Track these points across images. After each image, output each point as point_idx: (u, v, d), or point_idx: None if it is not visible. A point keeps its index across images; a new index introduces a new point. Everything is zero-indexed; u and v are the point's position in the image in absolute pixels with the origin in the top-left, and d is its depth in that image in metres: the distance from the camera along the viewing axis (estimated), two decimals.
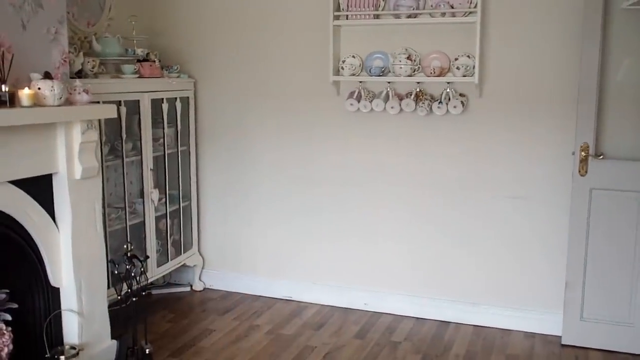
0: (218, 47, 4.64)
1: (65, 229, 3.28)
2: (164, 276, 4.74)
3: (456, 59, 4.00)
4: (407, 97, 4.14)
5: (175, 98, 4.48)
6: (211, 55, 4.66)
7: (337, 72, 4.24)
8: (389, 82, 4.17)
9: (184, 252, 4.71)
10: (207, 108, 4.73)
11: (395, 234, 4.36)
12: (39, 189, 3.16)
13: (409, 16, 4.05)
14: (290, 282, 4.66)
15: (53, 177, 3.24)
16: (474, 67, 3.94)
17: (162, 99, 4.33)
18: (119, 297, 3.54)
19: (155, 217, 4.35)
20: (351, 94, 4.26)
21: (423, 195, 4.27)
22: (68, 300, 3.34)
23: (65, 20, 3.36)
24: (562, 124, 3.89)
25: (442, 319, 4.29)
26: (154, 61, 4.33)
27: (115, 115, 3.49)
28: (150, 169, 4.23)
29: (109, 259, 3.63)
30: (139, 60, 4.21)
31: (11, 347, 3.04)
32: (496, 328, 4.16)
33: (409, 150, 4.26)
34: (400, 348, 3.90)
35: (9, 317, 3.11)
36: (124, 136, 3.96)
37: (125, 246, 3.61)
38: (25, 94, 2.91)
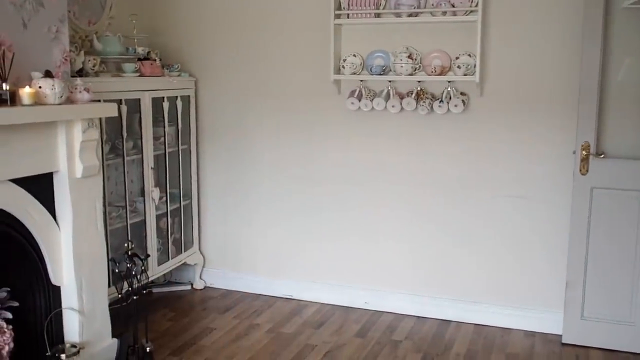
0: (219, 45, 4.64)
1: (66, 228, 3.28)
2: (164, 275, 4.75)
3: (457, 58, 4.00)
4: (408, 95, 4.14)
5: (176, 97, 4.48)
6: (212, 54, 4.66)
7: (338, 71, 4.24)
8: (390, 81, 4.17)
9: (184, 251, 4.71)
10: (208, 107, 4.74)
11: (396, 233, 4.36)
12: (40, 187, 3.16)
13: (410, 15, 4.05)
14: (291, 280, 4.67)
15: (54, 176, 3.24)
16: (475, 66, 3.94)
17: (163, 97, 4.33)
18: (119, 296, 3.54)
19: (156, 215, 4.35)
20: (352, 93, 4.25)
21: (424, 194, 4.27)
22: (69, 299, 3.34)
23: (66, 19, 3.36)
24: (563, 123, 3.89)
25: (443, 318, 4.29)
26: (155, 60, 4.33)
27: (116, 114, 3.49)
28: (151, 168, 4.23)
29: (109, 257, 3.63)
30: (139, 59, 4.21)
31: (12, 345, 3.04)
32: (497, 327, 4.16)
33: (410, 149, 4.26)
34: (401, 347, 3.90)
35: (9, 316, 3.11)
36: (125, 135, 3.96)
37: (126, 245, 3.61)
38: (26, 92, 2.92)
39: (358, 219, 4.44)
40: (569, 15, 3.80)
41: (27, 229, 3.12)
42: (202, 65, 4.69)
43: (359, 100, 4.21)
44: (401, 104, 4.11)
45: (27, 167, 3.05)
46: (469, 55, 3.97)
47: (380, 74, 4.14)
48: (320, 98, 4.41)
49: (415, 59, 4.08)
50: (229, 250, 4.85)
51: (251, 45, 4.55)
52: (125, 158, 4.00)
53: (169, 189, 4.49)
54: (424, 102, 4.07)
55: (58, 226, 3.27)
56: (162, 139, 4.36)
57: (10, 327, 3.07)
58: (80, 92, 3.22)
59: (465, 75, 3.96)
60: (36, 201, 3.14)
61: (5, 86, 2.86)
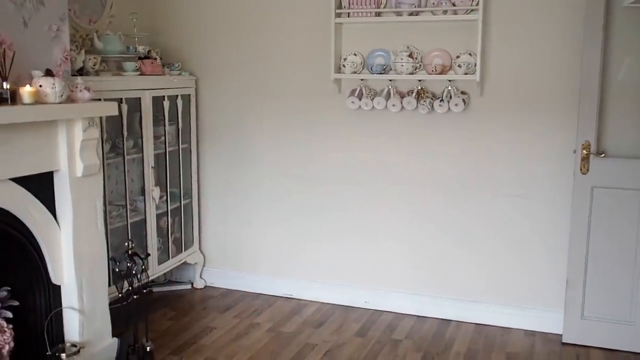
0: (219, 44, 4.63)
1: (66, 227, 3.28)
2: (164, 274, 4.74)
3: (458, 57, 3.99)
4: (408, 95, 4.14)
5: (177, 96, 4.48)
6: (212, 53, 4.66)
7: (338, 70, 4.23)
8: (390, 80, 4.17)
9: (184, 250, 4.71)
10: (209, 106, 4.73)
11: (396, 232, 4.36)
12: (40, 186, 3.16)
13: (411, 14, 4.05)
14: (291, 280, 4.67)
15: (54, 175, 3.24)
16: (475, 65, 3.94)
17: (164, 96, 4.33)
18: (120, 295, 3.54)
19: (156, 214, 4.35)
20: (352, 92, 4.25)
21: (424, 194, 4.27)
22: (69, 298, 3.34)
23: (66, 18, 3.36)
24: (563, 122, 3.89)
25: (443, 317, 4.29)
26: (155, 59, 4.33)
27: (117, 113, 3.49)
28: (152, 167, 4.23)
29: (110, 256, 3.63)
30: (140, 58, 4.21)
31: (12, 344, 3.04)
32: (497, 326, 4.16)
33: (410, 148, 4.26)
34: (401, 346, 3.90)
35: (10, 315, 3.11)
36: (125, 134, 3.95)
37: (126, 244, 3.61)
38: (26, 91, 2.91)
39: (358, 218, 4.44)
40: (570, 14, 3.80)
41: (27, 228, 3.12)
42: (202, 64, 4.69)
43: (360, 100, 4.21)
44: (402, 103, 4.11)
45: (28, 166, 3.04)
46: (470, 54, 3.97)
47: (381, 73, 4.14)
48: (320, 97, 4.41)
49: (416, 58, 4.08)
50: (229, 249, 4.85)
51: (252, 45, 4.55)
52: (126, 157, 3.99)
53: (170, 188, 4.48)
54: (425, 101, 4.07)
55: (58, 225, 3.27)
56: (163, 138, 4.36)
57: (11, 326, 3.07)
58: (80, 91, 3.22)
59: (465, 74, 3.96)
60: (36, 200, 3.14)
61: (5, 85, 2.86)
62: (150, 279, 4.09)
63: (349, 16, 4.15)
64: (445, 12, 3.97)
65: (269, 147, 4.61)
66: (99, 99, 3.49)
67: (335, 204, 4.49)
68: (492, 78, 4.01)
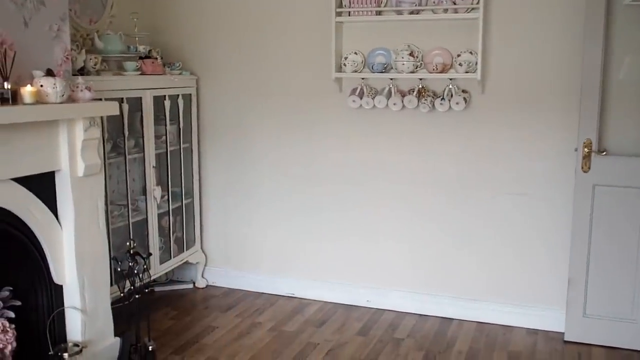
0: (220, 44, 4.64)
1: (68, 227, 3.28)
2: (166, 273, 4.75)
3: (458, 55, 3.99)
4: (409, 93, 4.14)
5: (178, 95, 4.48)
6: (213, 52, 4.66)
7: (339, 68, 4.23)
8: (391, 79, 4.17)
9: (186, 250, 4.71)
10: (210, 105, 4.73)
11: (397, 231, 4.36)
12: (42, 186, 3.16)
13: (412, 12, 4.05)
14: (293, 279, 4.67)
15: (56, 175, 3.24)
16: (476, 64, 3.93)
17: (164, 96, 4.33)
18: (121, 295, 3.54)
19: (158, 214, 4.35)
20: (353, 91, 4.25)
21: (425, 193, 4.26)
22: (71, 298, 3.35)
23: (67, 18, 3.36)
24: (564, 120, 3.89)
25: (445, 316, 4.29)
26: (156, 58, 4.33)
27: (118, 113, 3.50)
28: (153, 166, 4.23)
29: (111, 256, 3.63)
30: (141, 58, 4.20)
31: (14, 344, 3.05)
32: (499, 325, 4.16)
33: (411, 147, 4.25)
34: (403, 345, 3.90)
35: (12, 315, 3.11)
36: (127, 133, 3.96)
37: (128, 243, 3.61)
38: (27, 91, 2.92)
39: (359, 217, 4.44)
40: (570, 12, 3.79)
41: (29, 228, 3.12)
42: (203, 63, 4.69)
43: (361, 98, 4.21)
44: (402, 101, 4.11)
45: (29, 166, 3.05)
46: (471, 52, 3.97)
47: (382, 72, 4.14)
48: (321, 96, 4.41)
49: (417, 57, 4.08)
50: (231, 248, 4.85)
51: (252, 44, 4.55)
52: (127, 157, 4.00)
53: (171, 187, 4.49)
54: (426, 99, 4.07)
55: (60, 225, 3.28)
56: (164, 137, 4.36)
57: (13, 326, 3.07)
58: (81, 90, 3.22)
59: (466, 72, 3.96)
60: (38, 200, 3.14)
61: (6, 85, 2.86)
62: (152, 278, 4.09)
63: (349, 15, 4.15)
64: (445, 10, 3.97)
65: (270, 146, 4.61)
66: (100, 99, 3.49)
67: (336, 203, 4.49)
68: (493, 76, 4.01)
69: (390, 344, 3.91)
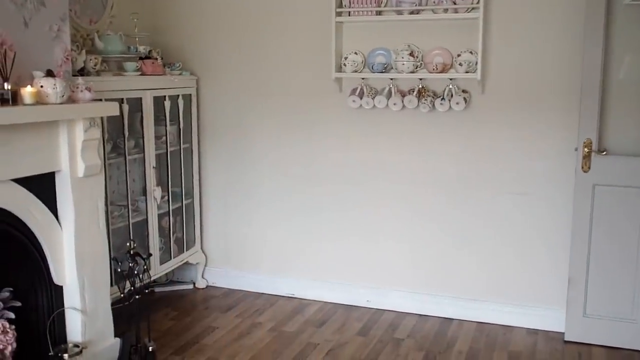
0: (220, 44, 4.63)
1: (68, 227, 3.28)
2: (166, 274, 4.74)
3: (459, 55, 3.99)
4: (409, 93, 4.14)
5: (178, 95, 4.48)
6: (213, 53, 4.66)
7: (339, 69, 4.23)
8: (391, 79, 4.16)
9: (186, 250, 4.71)
10: (210, 105, 4.73)
11: (397, 231, 4.36)
12: (42, 187, 3.16)
13: (412, 12, 4.05)
14: (293, 279, 4.67)
15: (56, 175, 3.24)
16: (476, 64, 3.93)
17: (165, 96, 4.33)
18: (122, 295, 3.54)
19: (158, 214, 4.35)
20: (353, 91, 4.25)
21: (425, 193, 4.26)
22: (71, 298, 3.35)
23: (67, 18, 3.36)
24: (564, 120, 3.89)
25: (445, 316, 4.28)
26: (156, 59, 4.32)
27: (118, 113, 3.50)
28: (153, 167, 4.23)
29: (111, 256, 3.63)
30: (141, 58, 4.20)
31: (15, 345, 3.04)
32: (499, 325, 4.16)
33: (411, 147, 4.25)
34: (403, 345, 3.90)
35: (12, 315, 3.11)
36: (127, 134, 3.96)
37: (128, 244, 3.61)
38: (27, 92, 2.92)
39: (359, 217, 4.44)
40: (570, 12, 3.79)
41: (29, 229, 3.12)
42: (203, 63, 4.69)
43: (361, 98, 4.21)
44: (403, 101, 4.11)
45: (29, 166, 3.05)
46: (471, 52, 3.97)
47: (382, 72, 4.14)
48: (321, 96, 4.41)
49: (417, 57, 4.08)
50: (231, 249, 4.85)
51: (252, 44, 4.55)
52: (127, 157, 4.00)
53: (171, 188, 4.49)
54: (426, 99, 4.07)
55: (60, 225, 3.28)
56: (164, 138, 4.36)
57: (13, 327, 3.07)
58: (81, 91, 3.22)
59: (466, 72, 3.95)
60: (38, 201, 3.14)
61: (6, 85, 2.86)
62: (152, 279, 4.09)
63: (349, 15, 4.15)
64: (445, 10, 3.97)
65: (269, 146, 4.61)
66: (100, 99, 3.49)
67: (336, 203, 4.49)
68: (493, 76, 4.01)
69: (390, 344, 3.91)
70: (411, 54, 4.05)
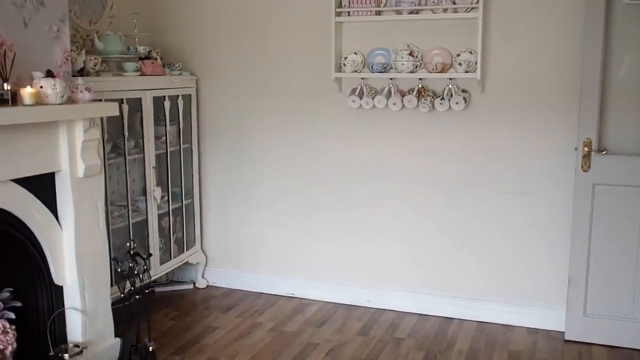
0: (220, 44, 4.64)
1: (68, 227, 3.28)
2: (167, 274, 4.75)
3: (458, 55, 3.99)
4: (409, 93, 4.14)
5: (177, 96, 4.48)
6: (213, 53, 4.66)
7: (339, 68, 4.23)
8: (391, 79, 4.17)
9: (186, 250, 4.71)
10: (210, 105, 4.73)
11: (397, 231, 4.36)
12: (42, 187, 3.16)
13: (411, 12, 4.05)
14: (293, 279, 4.67)
15: (56, 176, 3.24)
16: (476, 63, 3.93)
17: (164, 96, 4.33)
18: (122, 295, 3.54)
19: (158, 214, 4.35)
20: (353, 91, 4.25)
21: (425, 193, 4.26)
22: (71, 298, 3.35)
23: (67, 18, 3.36)
24: (564, 119, 3.89)
25: (445, 316, 4.29)
26: (156, 59, 4.33)
27: (118, 113, 3.50)
28: (153, 167, 4.23)
29: (112, 256, 3.63)
30: (140, 58, 4.20)
31: (15, 345, 3.05)
32: (499, 324, 4.16)
33: (411, 147, 4.25)
34: (404, 344, 3.90)
35: (12, 316, 3.11)
36: (126, 134, 3.96)
37: (128, 244, 3.61)
38: (27, 92, 2.92)
39: (359, 217, 4.44)
40: (570, 11, 3.79)
41: (29, 229, 3.12)
42: (203, 63, 4.69)
43: (360, 98, 4.21)
44: (402, 101, 4.11)
45: (29, 167, 3.05)
46: (470, 52, 3.97)
47: (382, 72, 4.14)
48: (321, 96, 4.41)
49: (417, 57, 4.08)
50: (231, 249, 4.85)
51: (252, 44, 4.55)
52: (127, 157, 4.00)
53: (171, 188, 4.49)
54: (425, 99, 4.07)
55: (60, 226, 3.28)
56: (164, 138, 4.36)
57: (13, 327, 3.07)
58: (81, 91, 3.22)
59: (466, 72, 3.95)
60: (38, 201, 3.14)
61: (6, 86, 2.87)
62: (152, 279, 4.09)
63: (349, 15, 4.15)
64: (445, 10, 3.97)
65: (269, 146, 4.61)
66: (100, 100, 3.49)
67: (336, 203, 4.49)
68: (492, 76, 4.01)
69: (390, 344, 3.91)
70: (411, 54, 4.05)
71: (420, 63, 4.08)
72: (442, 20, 4.04)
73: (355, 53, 4.21)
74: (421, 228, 4.30)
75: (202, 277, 4.90)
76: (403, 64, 4.03)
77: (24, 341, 3.15)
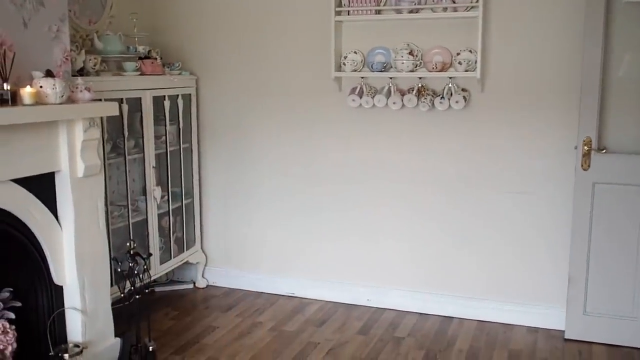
0: (220, 43, 4.63)
1: (68, 227, 3.28)
2: (167, 274, 4.75)
3: (458, 54, 3.99)
4: (409, 92, 4.14)
5: (177, 95, 4.48)
6: (213, 52, 4.66)
7: (338, 68, 4.23)
8: (390, 78, 4.16)
9: (186, 250, 4.71)
10: (209, 105, 4.73)
11: (398, 230, 4.36)
12: (42, 187, 3.16)
13: (411, 11, 4.04)
14: (293, 278, 4.67)
15: (55, 175, 3.24)
16: (476, 62, 3.93)
17: (164, 96, 4.33)
18: (122, 295, 3.54)
19: (158, 214, 4.35)
20: (353, 90, 4.25)
21: (425, 192, 4.26)
22: (71, 298, 3.35)
23: (66, 18, 3.36)
24: (564, 118, 3.89)
25: (445, 315, 4.29)
26: (156, 58, 4.33)
27: (117, 113, 3.50)
28: (153, 167, 4.23)
29: (111, 256, 3.63)
30: (140, 58, 4.20)
31: (15, 345, 3.05)
32: (499, 323, 4.16)
33: (411, 146, 4.25)
34: (404, 344, 3.90)
35: (12, 316, 3.11)
36: (126, 134, 3.96)
37: (128, 244, 3.61)
38: (27, 92, 2.92)
39: (359, 216, 4.44)
40: (570, 10, 3.79)
41: (29, 229, 3.12)
42: (203, 63, 4.69)
43: (360, 98, 4.21)
44: (402, 100, 4.11)
45: (29, 167, 3.05)
46: (470, 51, 3.97)
47: (381, 71, 4.14)
48: (321, 95, 4.41)
49: (416, 56, 4.08)
50: (231, 248, 4.85)
51: (252, 44, 4.55)
52: (127, 157, 4.00)
53: (171, 187, 4.49)
54: (425, 98, 4.07)
55: (60, 226, 3.28)
56: (164, 137, 4.36)
57: (13, 327, 3.07)
58: (81, 91, 3.22)
59: (466, 71, 3.95)
60: (38, 201, 3.14)
61: (6, 86, 2.86)
62: (152, 278, 4.09)
63: (349, 14, 4.14)
64: (445, 9, 3.97)
65: (269, 146, 4.61)
66: (100, 99, 3.49)
67: (336, 202, 4.49)
68: (492, 75, 4.01)
69: (390, 343, 3.91)
70: (410, 53, 4.05)
71: (420, 62, 4.08)
72: (442, 19, 4.04)
73: (355, 52, 4.21)
74: (421, 228, 4.30)
75: (202, 276, 4.90)
76: (403, 63, 4.03)
77: (24, 341, 3.15)
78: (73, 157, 3.24)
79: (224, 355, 3.75)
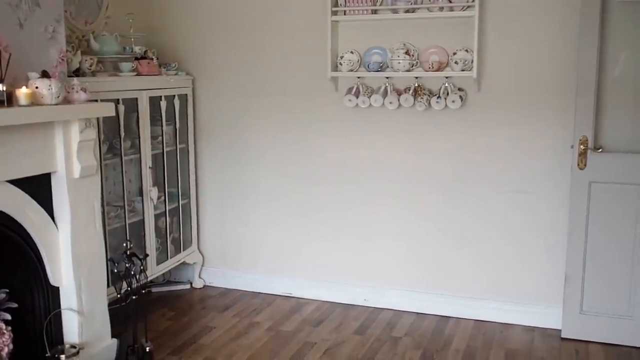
0: (216, 44, 4.63)
1: (64, 228, 3.28)
2: (163, 274, 4.74)
3: (454, 54, 3.99)
4: (405, 92, 4.14)
5: (174, 96, 4.47)
6: (209, 52, 4.66)
7: (335, 68, 4.23)
8: (387, 78, 4.17)
9: (183, 250, 4.71)
10: (206, 105, 4.73)
11: (395, 230, 4.36)
12: (38, 188, 3.15)
13: (407, 11, 4.05)
14: (290, 278, 4.67)
15: (52, 176, 3.23)
16: (472, 62, 3.94)
17: (160, 96, 4.32)
18: (118, 296, 3.54)
19: (155, 215, 4.34)
20: (349, 90, 4.25)
21: (422, 192, 4.27)
22: (68, 299, 3.34)
23: (62, 19, 3.35)
24: (561, 117, 3.89)
25: (442, 314, 4.29)
26: (152, 59, 4.33)
27: (114, 114, 3.48)
28: (149, 167, 4.23)
29: (108, 257, 3.63)
30: (136, 58, 4.20)
31: (11, 346, 3.04)
32: (496, 322, 4.17)
33: (408, 146, 4.26)
34: (401, 343, 3.91)
35: (8, 317, 3.11)
36: (123, 134, 3.95)
37: (124, 244, 3.61)
38: (22, 93, 2.91)
39: (356, 216, 4.44)
40: (566, 10, 3.80)
41: (25, 230, 3.11)
42: (199, 63, 4.69)
43: (357, 97, 4.21)
44: (399, 100, 4.11)
45: (25, 167, 3.04)
46: (467, 50, 3.97)
47: (378, 71, 4.14)
48: (317, 95, 4.41)
49: (413, 55, 4.08)
50: (228, 248, 4.85)
51: (248, 44, 4.55)
52: (123, 158, 3.99)
53: (167, 188, 4.48)
54: (422, 98, 4.07)
55: (56, 227, 3.27)
56: (160, 138, 4.36)
57: (10, 328, 3.07)
58: (77, 92, 3.21)
59: (462, 70, 3.96)
60: (34, 202, 3.13)
61: (2, 87, 2.85)
62: (149, 279, 4.09)
63: (345, 14, 4.14)
64: (441, 9, 3.97)
65: (266, 146, 4.61)
66: (96, 100, 3.48)
67: (333, 202, 4.49)
68: (489, 74, 4.01)
69: (387, 343, 3.91)
70: (407, 53, 4.05)
71: (417, 62, 4.08)
72: (438, 19, 4.04)
73: (352, 52, 4.21)
74: (418, 227, 4.30)
75: (199, 277, 4.90)
76: (399, 62, 4.03)
77: (20, 342, 3.14)
78: (69, 157, 3.23)
79: (221, 356, 3.75)
